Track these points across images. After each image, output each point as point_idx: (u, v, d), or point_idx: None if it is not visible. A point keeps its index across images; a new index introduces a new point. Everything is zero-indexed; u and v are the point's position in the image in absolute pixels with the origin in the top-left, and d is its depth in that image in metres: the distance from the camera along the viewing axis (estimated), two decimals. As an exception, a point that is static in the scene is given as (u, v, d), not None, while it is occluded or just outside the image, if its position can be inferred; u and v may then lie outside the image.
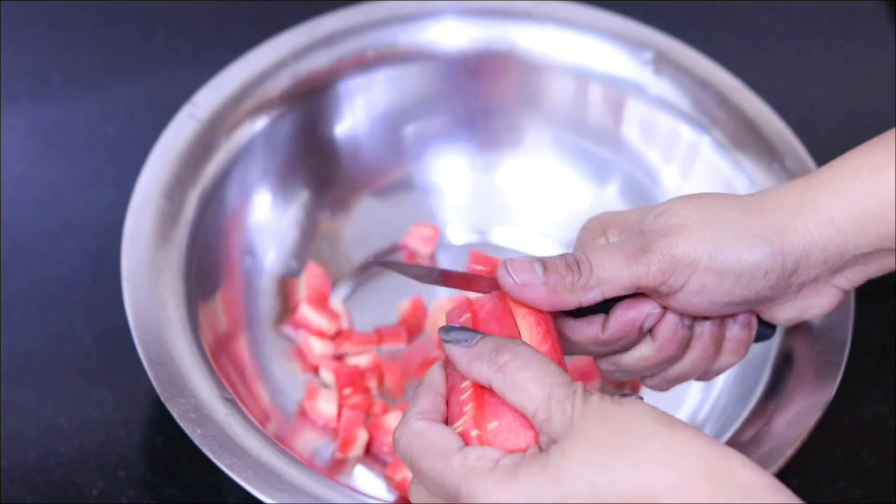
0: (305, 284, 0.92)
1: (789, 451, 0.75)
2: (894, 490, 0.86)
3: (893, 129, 0.69)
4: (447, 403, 0.65)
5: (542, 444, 0.60)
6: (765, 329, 0.74)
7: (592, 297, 0.67)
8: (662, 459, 0.57)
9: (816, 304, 0.71)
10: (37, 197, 0.96)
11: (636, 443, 0.58)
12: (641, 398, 0.63)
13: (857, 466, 0.87)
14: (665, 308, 0.70)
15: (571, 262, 0.67)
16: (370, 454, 0.86)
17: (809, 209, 0.68)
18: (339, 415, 0.86)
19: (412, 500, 0.64)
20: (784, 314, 0.72)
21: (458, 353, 0.63)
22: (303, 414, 0.87)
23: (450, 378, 0.65)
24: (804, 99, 1.05)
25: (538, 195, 0.97)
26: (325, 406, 0.86)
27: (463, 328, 0.64)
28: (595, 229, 0.73)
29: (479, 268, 0.68)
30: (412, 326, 0.91)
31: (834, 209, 0.67)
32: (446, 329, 0.64)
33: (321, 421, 0.86)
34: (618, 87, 0.94)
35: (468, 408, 0.63)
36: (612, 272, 0.67)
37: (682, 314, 0.71)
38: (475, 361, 0.62)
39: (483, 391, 0.63)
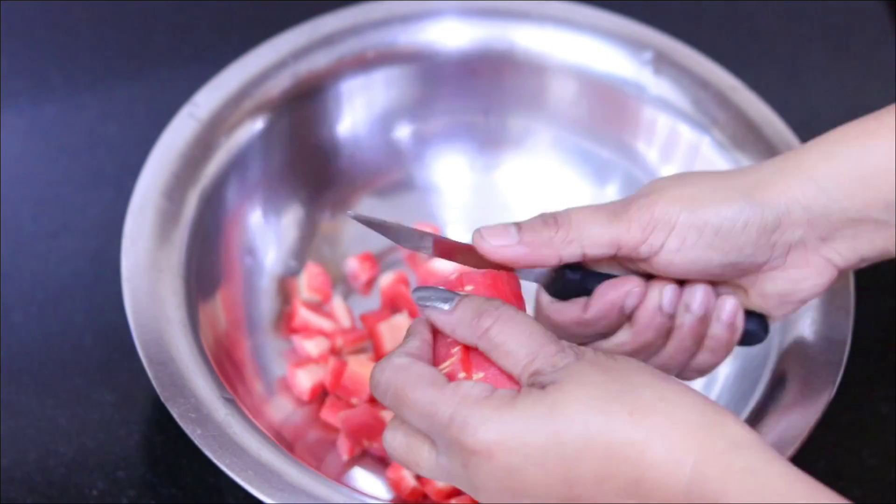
0: (306, 285, 0.92)
1: (789, 451, 0.75)
2: (894, 490, 0.86)
3: (890, 107, 0.69)
4: (434, 348, 0.65)
5: (537, 386, 0.61)
6: (755, 328, 0.73)
7: (572, 251, 0.67)
8: (658, 408, 0.58)
9: (807, 275, 0.70)
10: (37, 197, 0.96)
11: (633, 390, 0.59)
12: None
13: (857, 466, 0.87)
14: (649, 276, 0.71)
15: (548, 219, 0.67)
16: (370, 455, 0.85)
17: (792, 167, 0.68)
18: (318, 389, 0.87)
19: (386, 445, 0.64)
20: (774, 285, 0.71)
21: (438, 319, 0.63)
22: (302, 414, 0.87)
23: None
24: (804, 99, 1.05)
25: (538, 195, 0.97)
26: (305, 379, 0.86)
27: (438, 289, 0.64)
28: (586, 211, 0.72)
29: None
30: (393, 299, 0.92)
31: (818, 170, 0.67)
32: (421, 289, 0.64)
33: (297, 391, 0.86)
34: (618, 87, 0.94)
35: (456, 350, 0.63)
36: (591, 228, 0.67)
37: (667, 279, 0.71)
38: (457, 328, 0.63)
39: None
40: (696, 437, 0.58)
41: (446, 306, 0.63)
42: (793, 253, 0.69)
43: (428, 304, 0.63)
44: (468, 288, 0.66)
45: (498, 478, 0.60)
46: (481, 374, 0.62)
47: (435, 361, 0.64)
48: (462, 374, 0.62)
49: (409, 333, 0.65)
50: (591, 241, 0.67)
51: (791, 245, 0.69)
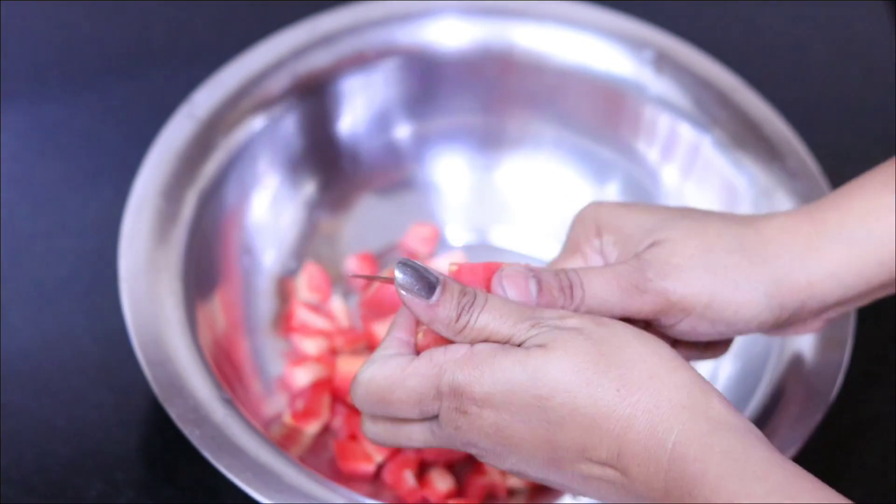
0: (305, 284, 0.91)
1: (789, 452, 0.75)
2: (894, 490, 0.86)
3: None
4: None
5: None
6: None
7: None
8: (646, 386, 0.58)
9: (801, 330, 0.71)
10: (35, 197, 0.96)
11: (622, 364, 0.59)
12: None
13: (857, 466, 0.87)
14: None
15: (565, 285, 0.65)
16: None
17: (814, 260, 0.67)
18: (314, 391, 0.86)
19: (369, 436, 0.65)
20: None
21: (416, 308, 0.62)
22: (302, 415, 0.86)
23: None
24: (804, 99, 1.05)
25: (538, 195, 0.97)
26: (303, 377, 0.86)
27: (419, 271, 0.63)
28: (590, 227, 0.71)
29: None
30: (393, 299, 0.91)
31: (839, 261, 0.67)
32: (402, 268, 0.63)
33: (294, 389, 0.86)
34: (618, 87, 0.94)
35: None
36: (604, 302, 0.65)
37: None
38: (435, 323, 0.62)
39: None
40: (679, 417, 0.58)
41: (427, 297, 0.62)
42: (795, 324, 0.70)
43: (408, 293, 0.62)
44: (452, 268, 0.65)
45: (487, 433, 0.61)
46: None
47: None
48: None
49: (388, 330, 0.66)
50: (599, 312, 0.66)
51: (796, 324, 0.69)
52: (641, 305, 0.66)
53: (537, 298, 0.64)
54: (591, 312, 0.65)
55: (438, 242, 0.96)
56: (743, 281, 0.66)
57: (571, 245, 0.72)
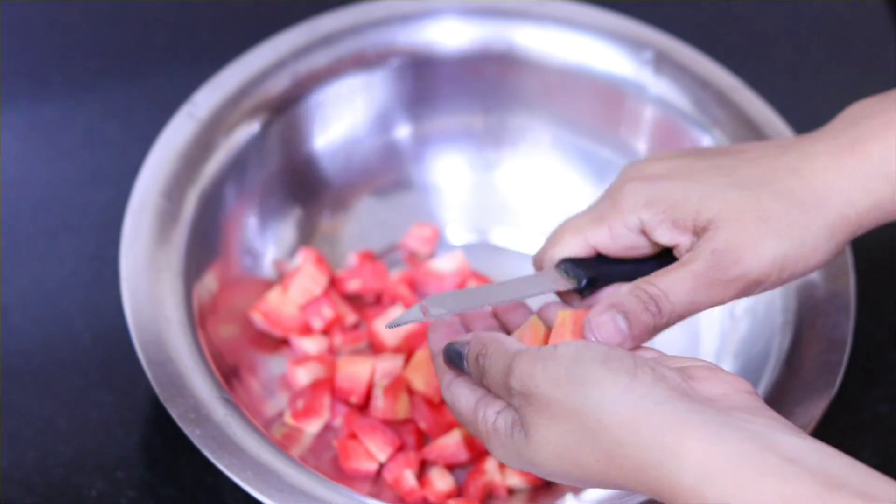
0: (311, 269, 0.90)
1: (789, 452, 0.75)
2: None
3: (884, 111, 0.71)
4: None
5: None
6: None
7: (666, 328, 0.68)
8: (617, 455, 0.59)
9: None
10: (36, 197, 0.96)
11: (595, 434, 0.60)
12: None
13: (858, 467, 0.87)
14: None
15: (648, 302, 0.67)
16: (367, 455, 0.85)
17: (859, 194, 0.69)
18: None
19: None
20: None
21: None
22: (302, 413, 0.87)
23: None
24: (804, 99, 1.05)
25: (538, 195, 0.97)
26: (304, 376, 0.86)
27: (453, 356, 0.68)
28: (627, 205, 0.72)
29: None
30: (393, 300, 0.92)
31: (882, 193, 0.69)
32: (445, 352, 0.69)
33: (295, 388, 0.86)
34: (618, 87, 0.94)
35: None
36: (691, 305, 0.68)
37: None
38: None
39: None
40: (648, 485, 0.59)
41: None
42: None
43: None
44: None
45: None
46: None
47: None
48: None
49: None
50: (689, 313, 0.68)
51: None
52: (724, 295, 0.68)
53: (629, 332, 0.66)
54: (681, 318, 0.67)
55: (438, 242, 0.96)
56: (807, 235, 0.68)
57: (598, 215, 0.73)
